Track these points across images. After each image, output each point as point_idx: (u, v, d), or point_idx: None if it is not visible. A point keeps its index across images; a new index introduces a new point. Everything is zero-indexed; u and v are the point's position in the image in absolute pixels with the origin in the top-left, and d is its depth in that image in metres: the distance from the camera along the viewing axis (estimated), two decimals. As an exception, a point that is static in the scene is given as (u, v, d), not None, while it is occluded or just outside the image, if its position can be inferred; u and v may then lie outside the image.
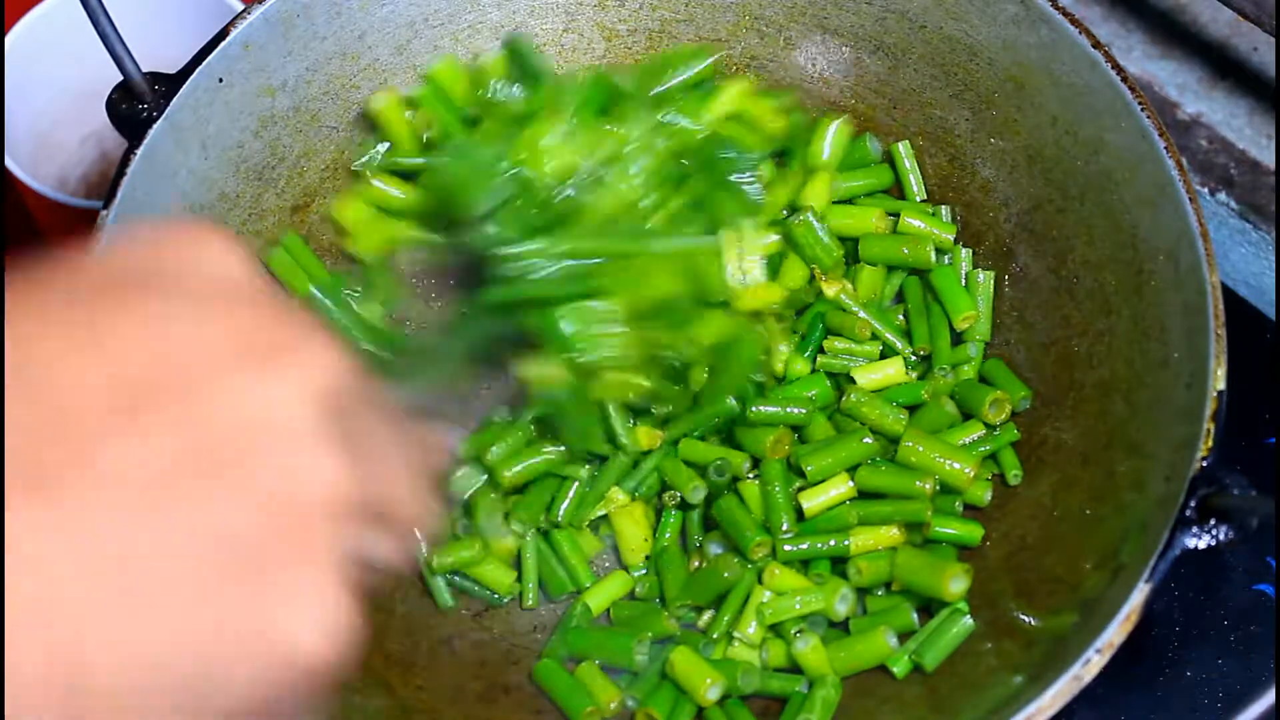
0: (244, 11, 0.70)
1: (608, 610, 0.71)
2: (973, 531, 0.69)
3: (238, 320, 0.33)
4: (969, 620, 0.66)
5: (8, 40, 0.87)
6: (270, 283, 0.35)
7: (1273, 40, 0.78)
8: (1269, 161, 0.83)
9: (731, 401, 0.70)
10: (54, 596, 0.29)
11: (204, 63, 0.68)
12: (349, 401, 0.34)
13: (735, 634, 0.68)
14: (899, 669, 0.66)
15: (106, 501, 0.30)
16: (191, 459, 0.31)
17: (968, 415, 0.71)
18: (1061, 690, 0.56)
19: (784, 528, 0.68)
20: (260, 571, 0.31)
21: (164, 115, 0.67)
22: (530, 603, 0.71)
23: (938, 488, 0.68)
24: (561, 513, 0.71)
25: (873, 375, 0.72)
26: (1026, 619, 0.66)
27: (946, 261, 0.75)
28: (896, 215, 0.75)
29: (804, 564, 0.69)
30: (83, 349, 0.31)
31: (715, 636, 0.68)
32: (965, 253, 0.75)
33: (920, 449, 0.68)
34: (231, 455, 0.31)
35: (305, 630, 0.31)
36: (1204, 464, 0.58)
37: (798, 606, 0.68)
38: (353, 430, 0.34)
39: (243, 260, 0.36)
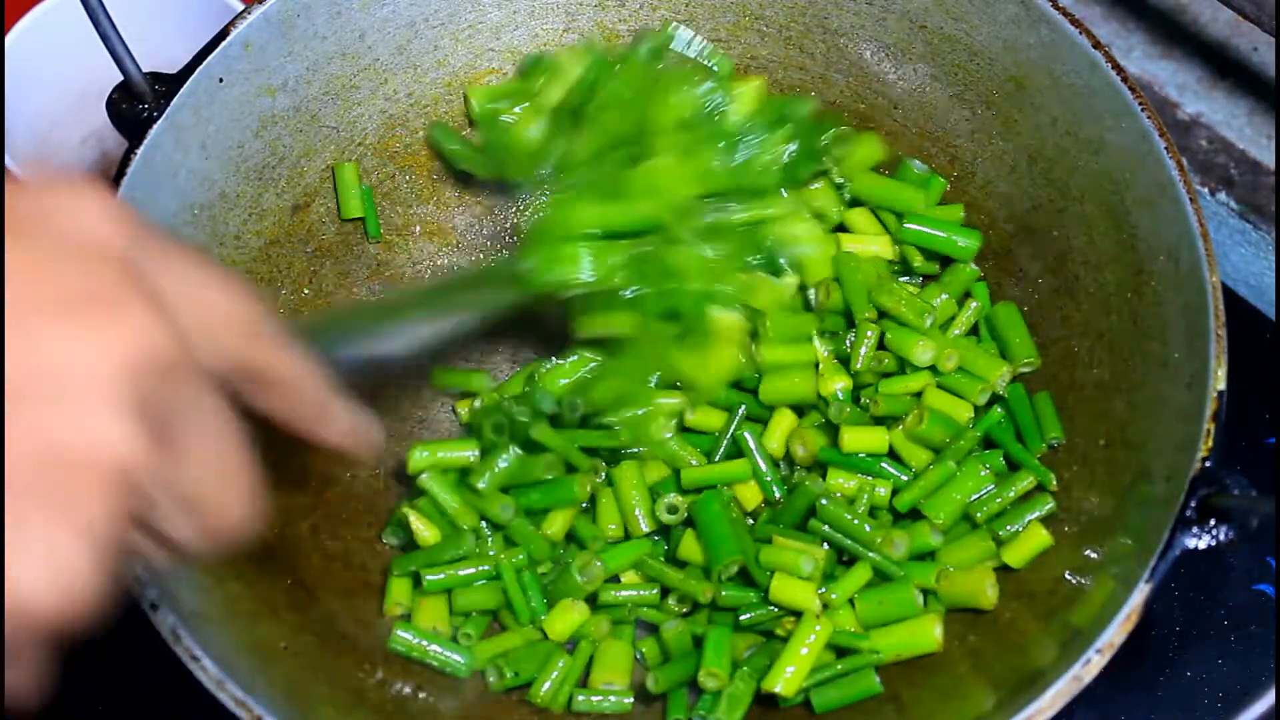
0: (244, 11, 0.70)
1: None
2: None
3: (71, 272, 0.33)
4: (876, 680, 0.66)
5: (8, 40, 0.87)
6: (143, 248, 0.36)
7: (1273, 40, 0.78)
8: (1269, 161, 0.83)
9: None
10: None
11: (204, 63, 0.68)
12: (168, 376, 0.34)
13: None
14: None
15: None
16: None
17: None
18: (1061, 690, 0.56)
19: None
20: (16, 515, 0.31)
21: (164, 115, 0.67)
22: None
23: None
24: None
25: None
26: (1026, 619, 0.66)
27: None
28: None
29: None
30: None
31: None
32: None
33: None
34: (16, 394, 0.31)
35: (31, 579, 0.31)
36: (1204, 464, 0.58)
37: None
38: (164, 405, 0.34)
39: (113, 221, 0.35)
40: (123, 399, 0.32)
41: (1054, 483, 0.68)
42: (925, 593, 0.68)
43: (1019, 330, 0.72)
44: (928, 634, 0.65)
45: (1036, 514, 0.68)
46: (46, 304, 0.32)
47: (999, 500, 0.68)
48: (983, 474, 0.69)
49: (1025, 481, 0.69)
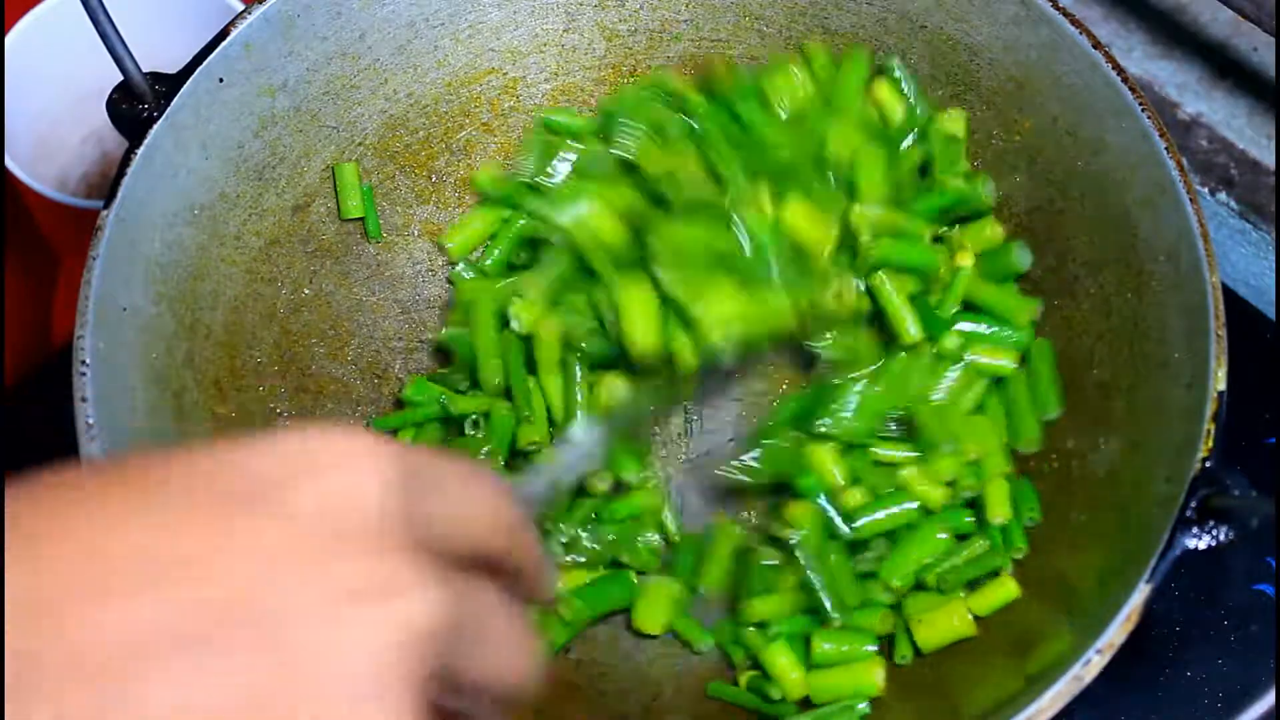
0: (244, 11, 0.70)
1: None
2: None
3: (349, 560, 0.32)
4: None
5: (8, 40, 0.87)
6: (405, 486, 0.34)
7: (1273, 40, 0.78)
8: (1269, 161, 0.83)
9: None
10: None
11: (204, 63, 0.68)
12: (454, 647, 0.33)
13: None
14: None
15: None
16: (258, 704, 0.29)
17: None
18: (1061, 690, 0.56)
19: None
20: None
21: (164, 115, 0.67)
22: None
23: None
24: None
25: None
26: (1025, 619, 0.66)
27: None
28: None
29: None
30: (178, 581, 0.30)
31: None
32: None
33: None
34: (307, 707, 0.30)
35: None
36: (1204, 464, 0.58)
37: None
38: (454, 669, 0.33)
39: (373, 476, 0.33)
40: (408, 684, 0.31)
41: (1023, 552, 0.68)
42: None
43: (1044, 398, 0.71)
44: (870, 678, 0.66)
45: (1000, 568, 0.68)
46: (318, 596, 0.31)
47: (954, 564, 0.68)
48: (940, 537, 0.68)
49: (985, 553, 0.68)
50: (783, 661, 0.67)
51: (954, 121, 0.74)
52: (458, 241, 0.78)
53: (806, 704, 0.67)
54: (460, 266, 0.78)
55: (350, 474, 0.33)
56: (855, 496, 0.70)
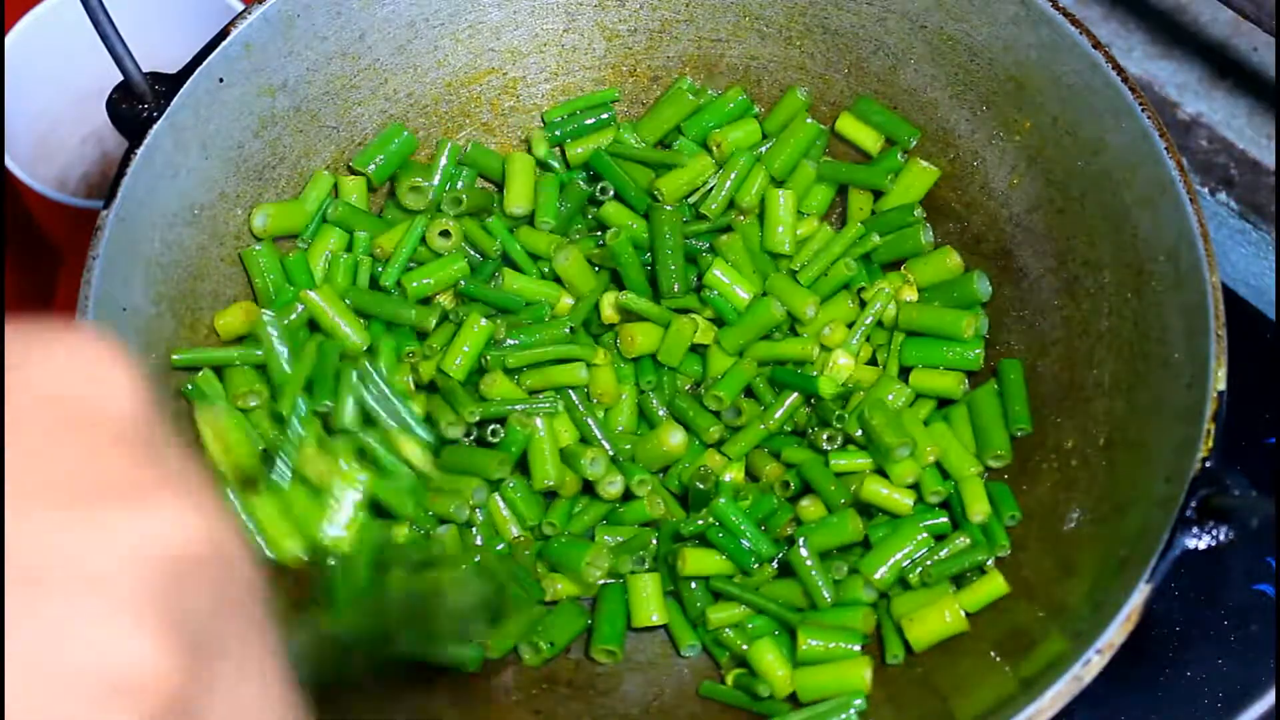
0: (244, 11, 0.70)
1: None
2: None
3: (90, 455, 0.27)
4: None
5: (8, 40, 0.87)
6: (153, 419, 0.30)
7: (1273, 40, 0.78)
8: (1269, 161, 0.83)
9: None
10: None
11: (204, 63, 0.68)
12: (212, 588, 0.28)
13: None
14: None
15: None
16: None
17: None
18: (1061, 690, 0.56)
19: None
20: None
21: (164, 115, 0.67)
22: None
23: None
24: None
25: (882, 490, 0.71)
26: (1026, 619, 0.66)
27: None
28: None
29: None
30: None
31: None
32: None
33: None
34: (25, 598, 0.25)
35: None
36: (1204, 464, 0.58)
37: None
38: (207, 627, 0.27)
39: (122, 384, 0.29)
40: (152, 607, 0.26)
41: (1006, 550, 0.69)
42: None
43: (1015, 412, 0.71)
44: (858, 676, 0.66)
45: (983, 563, 0.68)
46: (60, 494, 0.26)
47: (937, 558, 0.68)
48: (920, 538, 0.68)
49: (967, 548, 0.69)
50: (769, 659, 0.67)
51: (924, 174, 0.76)
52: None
53: (798, 703, 0.67)
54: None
55: (104, 362, 0.30)
56: (810, 510, 0.71)
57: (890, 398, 0.71)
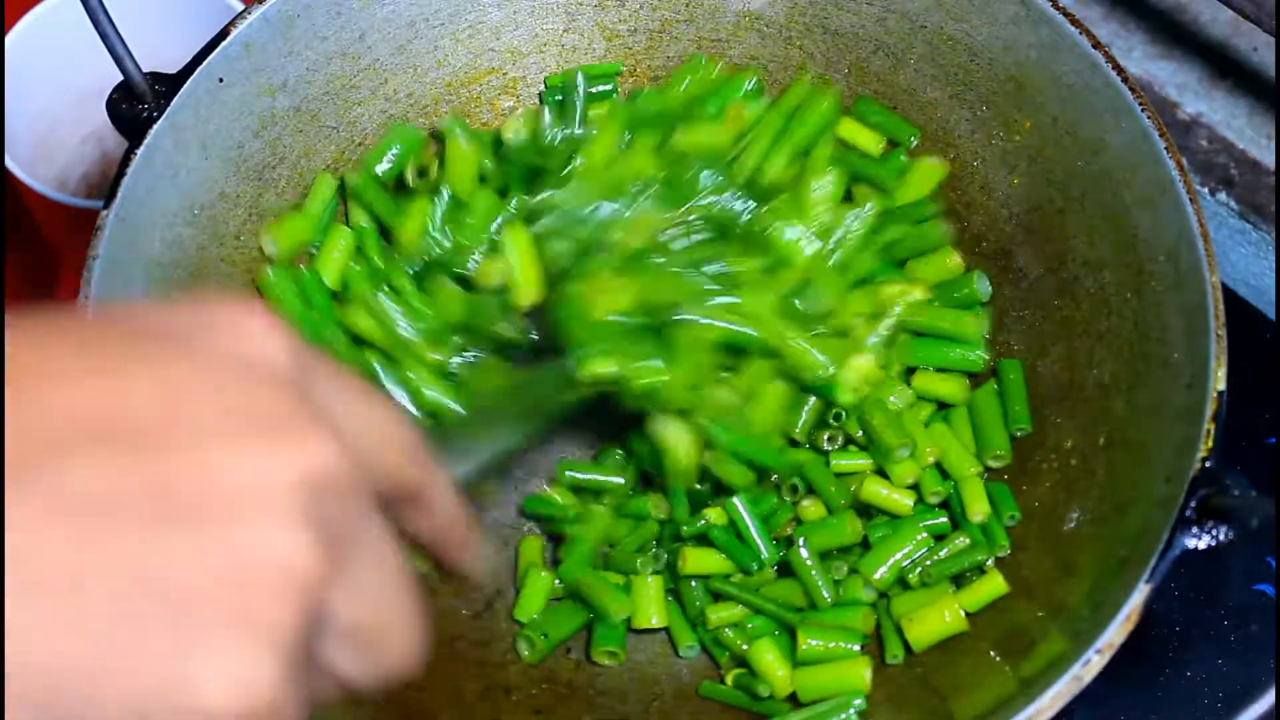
0: (244, 11, 0.70)
1: None
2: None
3: (247, 397, 0.33)
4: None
5: (8, 40, 0.87)
6: (305, 368, 0.36)
7: (1273, 40, 0.78)
8: (1269, 161, 0.83)
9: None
10: None
11: (204, 63, 0.68)
12: (341, 498, 0.34)
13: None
14: None
15: (56, 524, 0.30)
16: (152, 502, 0.31)
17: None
18: (1061, 691, 0.56)
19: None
20: (189, 622, 0.31)
21: (164, 115, 0.67)
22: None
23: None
24: None
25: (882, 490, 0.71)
26: (1026, 618, 0.66)
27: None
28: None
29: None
30: (80, 380, 0.32)
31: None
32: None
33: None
34: (194, 510, 0.31)
35: (214, 684, 0.31)
36: (1204, 464, 0.58)
37: None
38: (337, 527, 0.34)
39: (281, 345, 0.35)
40: (299, 516, 0.32)
41: (1005, 550, 0.69)
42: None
43: (1015, 412, 0.71)
44: (858, 676, 0.66)
45: (983, 563, 0.68)
46: (218, 424, 0.33)
47: (936, 558, 0.68)
48: (919, 538, 0.68)
49: (967, 548, 0.69)
50: (768, 659, 0.67)
51: (932, 171, 0.75)
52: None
53: (797, 703, 0.67)
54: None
55: (263, 333, 0.35)
56: (810, 510, 0.71)
57: (892, 400, 0.71)
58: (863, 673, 0.66)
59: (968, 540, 0.68)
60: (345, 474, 0.34)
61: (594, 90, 0.77)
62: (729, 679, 0.69)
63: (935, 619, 0.67)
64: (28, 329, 0.33)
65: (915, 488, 0.70)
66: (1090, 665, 0.56)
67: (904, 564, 0.68)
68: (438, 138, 0.77)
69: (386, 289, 0.72)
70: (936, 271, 0.75)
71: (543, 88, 0.80)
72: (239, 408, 0.33)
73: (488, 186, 0.74)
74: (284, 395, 0.34)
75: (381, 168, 0.75)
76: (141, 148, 0.66)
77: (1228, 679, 0.73)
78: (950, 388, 0.72)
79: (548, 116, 0.73)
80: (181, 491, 0.31)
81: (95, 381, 0.32)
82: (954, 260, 0.74)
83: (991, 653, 0.65)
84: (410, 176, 0.75)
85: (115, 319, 0.35)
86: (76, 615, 0.30)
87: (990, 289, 0.74)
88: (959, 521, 0.70)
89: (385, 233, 0.75)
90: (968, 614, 0.67)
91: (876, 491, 0.70)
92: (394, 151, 0.75)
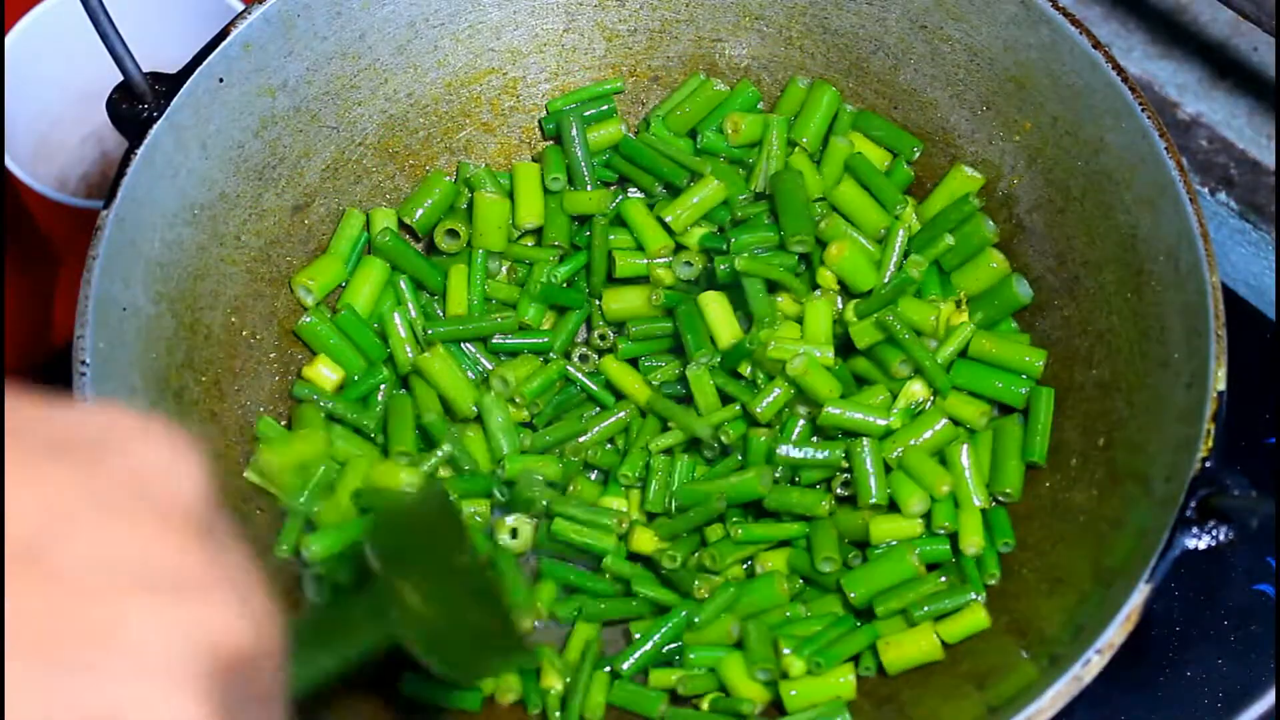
0: (244, 11, 0.70)
1: None
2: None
3: (157, 544, 0.30)
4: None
5: (8, 40, 0.87)
6: (215, 511, 0.33)
7: (1273, 40, 0.78)
8: (1269, 161, 0.83)
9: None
10: None
11: (204, 63, 0.68)
12: (243, 671, 0.31)
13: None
14: None
15: None
16: (42, 640, 0.28)
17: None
18: (1061, 691, 0.56)
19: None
20: None
21: (164, 115, 0.67)
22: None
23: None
24: None
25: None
26: (1026, 618, 0.66)
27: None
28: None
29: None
30: None
31: None
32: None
33: None
34: (87, 666, 0.28)
35: None
36: (1204, 464, 0.58)
37: None
38: (237, 703, 0.31)
39: (196, 477, 0.32)
40: (193, 682, 0.29)
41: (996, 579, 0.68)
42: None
43: (1035, 444, 0.70)
44: (847, 687, 0.66)
45: (966, 600, 0.67)
46: (126, 579, 0.29)
47: (918, 593, 0.67)
48: (912, 561, 0.67)
49: (953, 588, 0.68)
50: (737, 675, 0.67)
51: (968, 180, 0.74)
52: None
53: (781, 710, 0.67)
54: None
55: (174, 452, 0.32)
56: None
57: (928, 435, 0.69)
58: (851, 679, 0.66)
59: (955, 579, 0.67)
60: (244, 643, 0.31)
61: (590, 113, 0.78)
62: (706, 704, 0.68)
63: (912, 646, 0.66)
64: None
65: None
66: (1090, 665, 0.56)
67: (889, 586, 0.67)
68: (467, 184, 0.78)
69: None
70: (980, 278, 0.73)
71: (544, 88, 0.80)
72: (131, 552, 0.30)
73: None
74: (185, 538, 0.31)
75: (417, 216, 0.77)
76: (141, 148, 0.66)
77: (1228, 679, 0.73)
78: (973, 411, 0.70)
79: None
80: (62, 637, 0.28)
81: None
82: (998, 260, 0.73)
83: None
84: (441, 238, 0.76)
85: (26, 422, 0.31)
86: None
87: (1030, 292, 0.72)
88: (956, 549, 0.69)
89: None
90: (946, 645, 0.66)
91: (885, 531, 0.68)
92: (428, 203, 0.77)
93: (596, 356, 0.75)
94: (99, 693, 0.28)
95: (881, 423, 0.68)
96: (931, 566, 0.69)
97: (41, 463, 0.30)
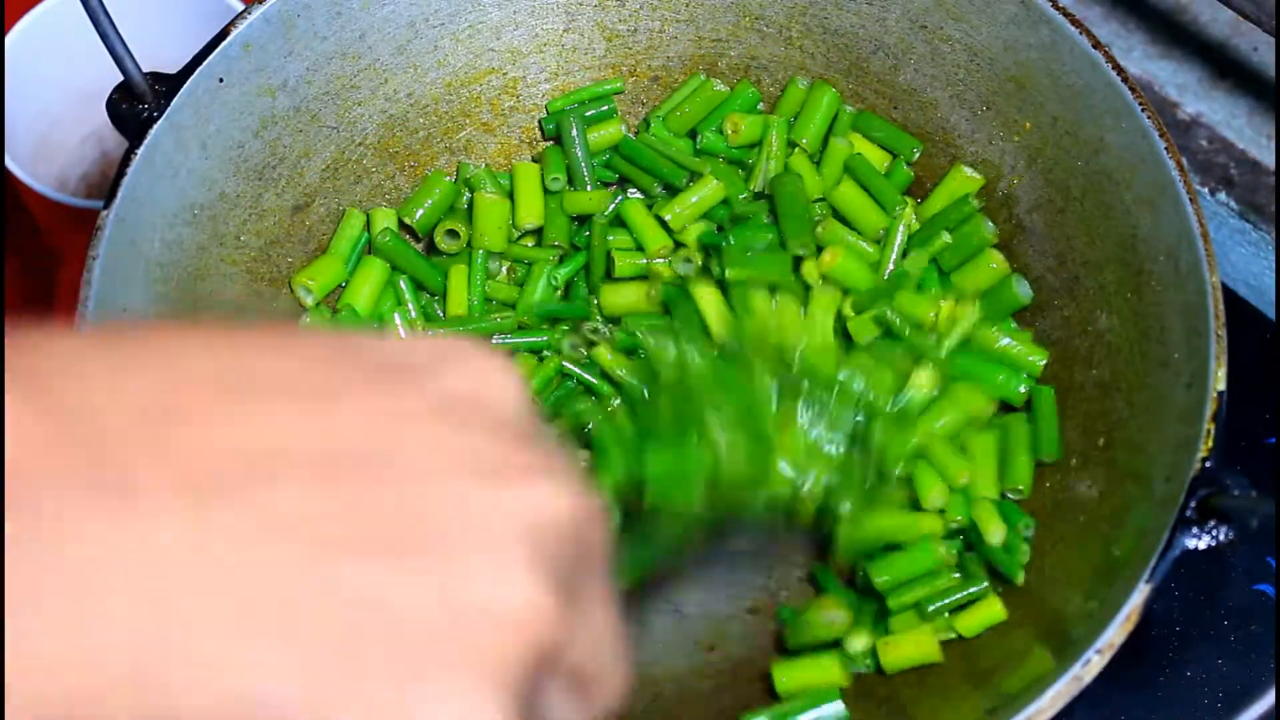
0: (244, 11, 0.70)
1: None
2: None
3: (488, 441, 0.33)
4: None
5: (8, 40, 0.87)
6: (533, 417, 0.35)
7: (1273, 40, 0.78)
8: (1269, 161, 0.83)
9: None
10: (182, 616, 0.28)
11: (204, 63, 0.68)
12: (575, 550, 0.33)
13: None
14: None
15: (267, 543, 0.29)
16: (371, 530, 0.30)
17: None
18: (1061, 691, 0.56)
19: None
20: (413, 658, 0.29)
21: (164, 115, 0.67)
22: None
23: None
24: None
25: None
26: (1026, 618, 0.66)
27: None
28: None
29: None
30: (313, 413, 0.31)
31: None
32: None
33: None
34: (418, 544, 0.30)
35: None
36: (1204, 464, 0.58)
37: None
38: (570, 579, 0.33)
39: (520, 389, 0.35)
40: (538, 564, 0.31)
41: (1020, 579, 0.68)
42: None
43: (1045, 442, 0.70)
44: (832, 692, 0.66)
45: (982, 592, 0.67)
46: (463, 466, 0.32)
47: (935, 588, 0.67)
48: (935, 550, 0.67)
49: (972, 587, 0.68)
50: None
51: (967, 181, 0.74)
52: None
53: (774, 696, 0.67)
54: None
55: (496, 371, 0.35)
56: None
57: (940, 424, 0.69)
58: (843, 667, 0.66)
59: (968, 575, 0.67)
60: (575, 524, 0.33)
61: (590, 113, 0.79)
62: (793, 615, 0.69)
63: (910, 646, 0.66)
64: (253, 343, 0.32)
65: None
66: (1090, 665, 0.56)
67: (908, 579, 0.67)
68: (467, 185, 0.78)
69: None
70: (979, 278, 0.73)
71: (545, 89, 0.80)
72: (479, 453, 0.32)
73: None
74: (513, 439, 0.33)
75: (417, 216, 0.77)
76: (141, 148, 0.66)
77: (1228, 679, 0.73)
78: (980, 403, 0.70)
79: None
80: (415, 521, 0.30)
81: (313, 407, 0.31)
82: (998, 261, 0.73)
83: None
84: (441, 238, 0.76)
85: (345, 345, 0.34)
86: (287, 641, 0.29)
87: (1030, 292, 0.72)
88: (974, 544, 0.68)
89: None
90: (962, 637, 0.66)
91: (903, 520, 0.68)
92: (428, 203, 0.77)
93: (585, 349, 0.75)
94: (445, 576, 0.30)
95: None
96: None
97: (384, 379, 0.33)
